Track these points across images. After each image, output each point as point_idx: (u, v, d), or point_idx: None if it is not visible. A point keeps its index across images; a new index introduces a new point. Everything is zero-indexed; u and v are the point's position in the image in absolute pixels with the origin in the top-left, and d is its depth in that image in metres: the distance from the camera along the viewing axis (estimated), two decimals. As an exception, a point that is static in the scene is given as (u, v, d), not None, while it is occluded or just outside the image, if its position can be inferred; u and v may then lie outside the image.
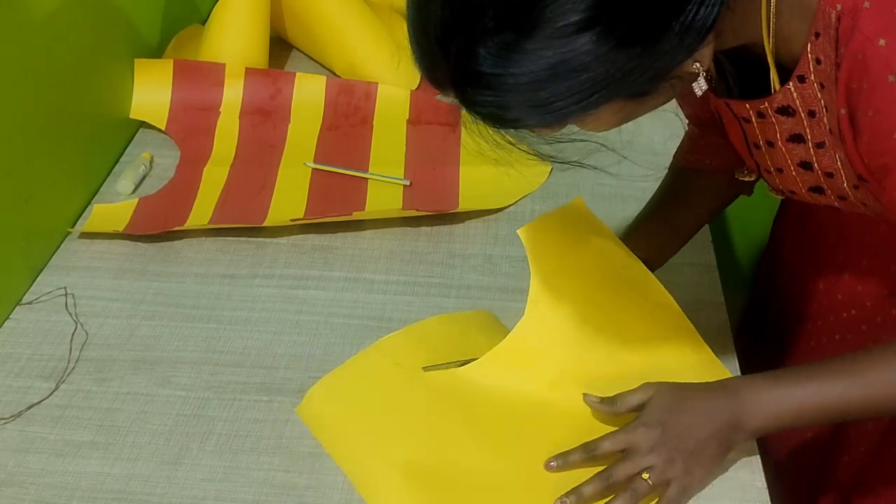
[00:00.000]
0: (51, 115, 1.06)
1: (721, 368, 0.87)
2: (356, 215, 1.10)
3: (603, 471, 0.76)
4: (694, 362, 0.87)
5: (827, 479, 0.98)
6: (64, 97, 1.09)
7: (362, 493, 0.79)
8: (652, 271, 0.91)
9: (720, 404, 0.76)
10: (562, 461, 0.78)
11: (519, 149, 0.78)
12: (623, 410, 0.79)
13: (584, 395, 0.82)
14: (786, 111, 0.71)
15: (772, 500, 0.79)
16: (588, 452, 0.77)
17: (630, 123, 0.70)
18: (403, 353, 0.89)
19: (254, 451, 0.84)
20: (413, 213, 1.10)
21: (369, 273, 1.04)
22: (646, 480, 0.74)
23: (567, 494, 0.75)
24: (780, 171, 0.77)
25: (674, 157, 0.99)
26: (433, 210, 1.11)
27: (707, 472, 0.77)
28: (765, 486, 0.80)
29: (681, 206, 0.97)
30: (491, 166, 1.20)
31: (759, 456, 0.83)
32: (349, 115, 1.30)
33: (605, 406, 0.81)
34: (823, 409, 0.75)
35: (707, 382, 0.79)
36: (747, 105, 0.73)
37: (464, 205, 1.13)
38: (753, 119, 0.74)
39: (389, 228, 1.11)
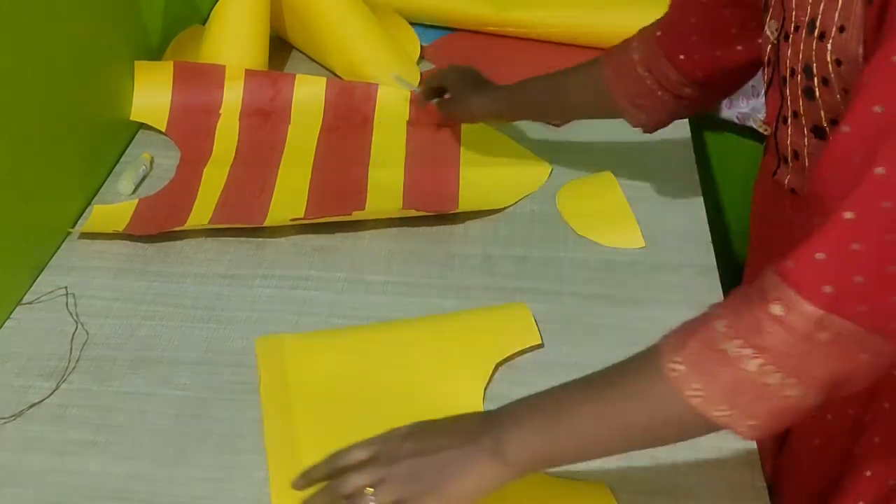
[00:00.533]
0: (51, 116, 1.06)
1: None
2: (356, 215, 1.10)
3: (332, 482, 0.68)
4: None
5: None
6: (64, 97, 1.09)
7: (267, 444, 0.82)
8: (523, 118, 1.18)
9: (476, 426, 0.67)
10: (304, 479, 0.70)
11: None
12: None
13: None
14: None
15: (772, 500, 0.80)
16: (330, 466, 0.69)
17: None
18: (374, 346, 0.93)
19: (254, 451, 0.84)
20: (413, 213, 1.10)
21: (369, 273, 1.04)
22: (368, 496, 0.65)
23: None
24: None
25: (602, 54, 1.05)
26: (433, 210, 1.11)
27: (442, 498, 0.65)
28: (765, 486, 0.80)
29: (568, 89, 1.07)
30: (491, 167, 1.21)
31: (758, 456, 0.83)
32: (349, 116, 1.30)
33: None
34: (578, 444, 0.66)
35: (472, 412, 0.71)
36: None
37: (463, 205, 1.13)
38: None
39: (389, 229, 1.11)
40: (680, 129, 1.28)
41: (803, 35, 0.72)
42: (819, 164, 0.60)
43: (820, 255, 0.55)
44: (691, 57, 0.94)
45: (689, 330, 0.62)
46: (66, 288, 1.01)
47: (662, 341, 0.63)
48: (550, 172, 1.19)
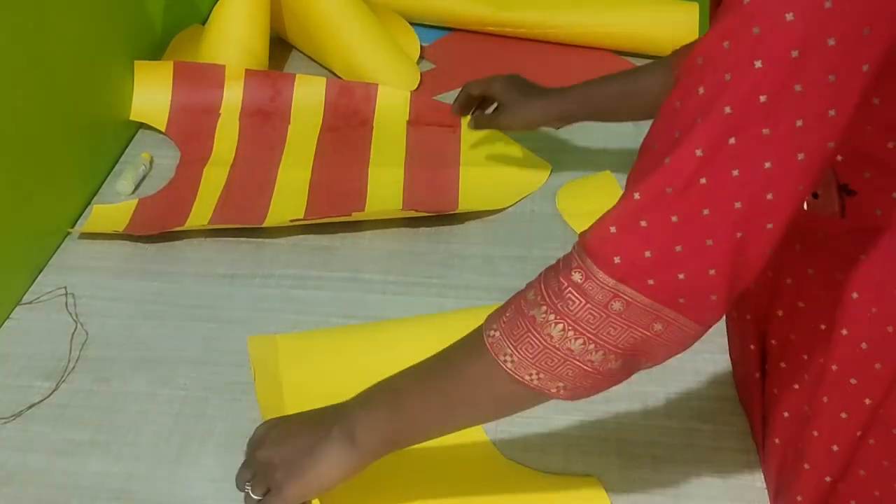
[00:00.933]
0: (51, 115, 1.06)
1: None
2: (356, 216, 1.10)
3: None
4: None
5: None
6: (63, 97, 1.09)
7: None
8: (594, 120, 1.09)
9: (329, 413, 0.73)
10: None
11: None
12: None
13: None
14: None
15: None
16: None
17: None
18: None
19: (254, 451, 0.84)
20: (412, 213, 1.10)
21: (369, 273, 1.04)
22: (249, 491, 0.72)
23: None
24: None
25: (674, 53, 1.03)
26: (433, 210, 1.11)
27: (307, 487, 0.71)
28: (765, 486, 0.80)
29: (637, 90, 1.05)
30: (491, 167, 1.21)
31: (758, 456, 0.83)
32: (349, 116, 1.30)
33: None
34: (419, 423, 0.69)
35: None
36: None
37: (463, 205, 1.13)
38: None
39: (389, 229, 1.11)
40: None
41: None
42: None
43: (612, 229, 0.58)
44: None
45: (509, 300, 0.64)
46: (65, 288, 1.01)
47: (490, 314, 0.65)
48: (550, 172, 1.19)
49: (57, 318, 0.98)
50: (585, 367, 0.60)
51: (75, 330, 0.96)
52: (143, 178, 1.19)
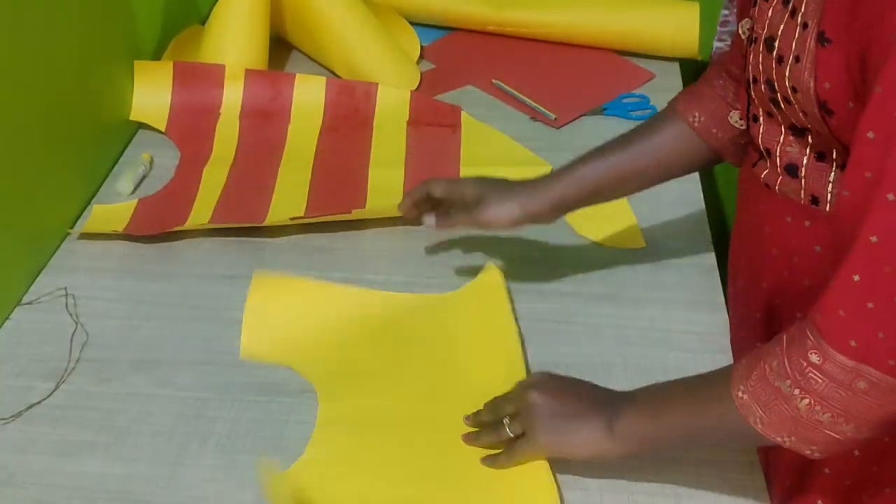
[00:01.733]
0: (50, 116, 1.06)
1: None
2: (356, 213, 1.10)
3: (480, 413, 0.84)
4: None
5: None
6: (63, 97, 1.09)
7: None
8: (597, 202, 0.94)
9: (601, 397, 0.78)
10: (473, 420, 0.84)
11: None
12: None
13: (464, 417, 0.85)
14: None
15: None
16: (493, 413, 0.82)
17: None
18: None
19: (254, 451, 0.84)
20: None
21: (369, 273, 1.04)
22: (506, 428, 0.79)
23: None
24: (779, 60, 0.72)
25: (668, 104, 0.95)
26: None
27: (554, 450, 0.78)
28: (765, 486, 0.80)
29: (651, 150, 0.92)
30: (491, 167, 1.20)
31: (758, 456, 0.83)
32: (349, 116, 1.30)
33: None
34: (670, 438, 0.74)
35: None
36: None
37: (464, 205, 1.13)
38: None
39: (389, 229, 1.11)
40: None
41: (762, 50, 0.74)
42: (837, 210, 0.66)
43: (841, 313, 0.61)
44: None
45: (752, 361, 0.67)
46: (65, 288, 1.01)
47: (735, 367, 0.69)
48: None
49: (57, 319, 0.98)
50: (837, 437, 0.63)
51: (75, 330, 0.96)
52: (143, 178, 1.19)
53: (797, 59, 0.69)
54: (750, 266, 0.88)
